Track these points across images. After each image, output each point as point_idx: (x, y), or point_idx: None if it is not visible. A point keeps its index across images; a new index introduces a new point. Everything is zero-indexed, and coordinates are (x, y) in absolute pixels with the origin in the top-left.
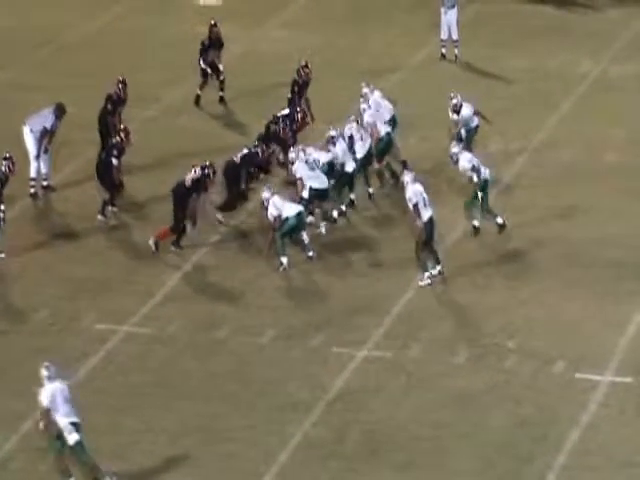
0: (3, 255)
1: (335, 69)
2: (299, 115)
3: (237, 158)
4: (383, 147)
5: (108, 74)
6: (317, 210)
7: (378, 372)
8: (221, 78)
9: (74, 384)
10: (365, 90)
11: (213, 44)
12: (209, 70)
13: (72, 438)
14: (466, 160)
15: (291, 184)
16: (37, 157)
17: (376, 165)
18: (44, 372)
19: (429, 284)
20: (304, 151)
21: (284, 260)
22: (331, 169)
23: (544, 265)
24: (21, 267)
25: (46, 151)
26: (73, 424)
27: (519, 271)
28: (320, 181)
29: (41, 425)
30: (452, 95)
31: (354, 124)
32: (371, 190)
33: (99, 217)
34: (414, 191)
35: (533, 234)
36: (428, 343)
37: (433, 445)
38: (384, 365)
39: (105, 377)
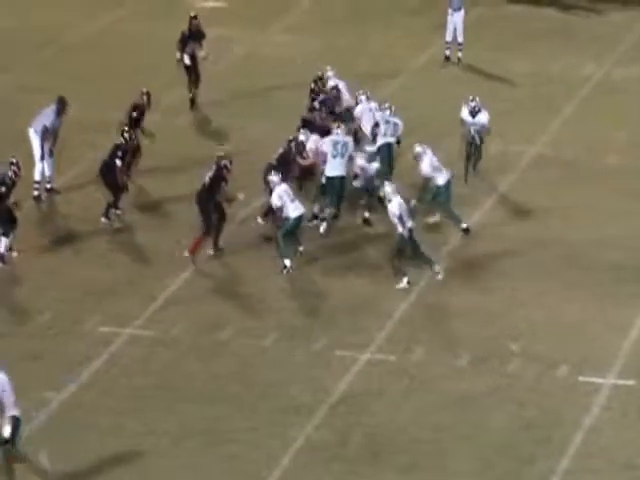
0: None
1: (336, 70)
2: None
3: (273, 160)
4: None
5: (111, 76)
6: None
7: (381, 375)
8: (199, 74)
9: (78, 386)
10: (362, 97)
11: (193, 35)
12: (188, 62)
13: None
14: (427, 164)
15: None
16: (41, 159)
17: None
18: None
19: (407, 287)
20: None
21: (287, 262)
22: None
23: (544, 266)
24: (25, 270)
25: (51, 154)
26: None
27: (519, 272)
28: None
29: None
30: (471, 97)
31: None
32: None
33: (103, 220)
34: (398, 203)
35: (533, 235)
36: (430, 346)
37: (435, 447)
38: (387, 368)
39: (108, 379)
